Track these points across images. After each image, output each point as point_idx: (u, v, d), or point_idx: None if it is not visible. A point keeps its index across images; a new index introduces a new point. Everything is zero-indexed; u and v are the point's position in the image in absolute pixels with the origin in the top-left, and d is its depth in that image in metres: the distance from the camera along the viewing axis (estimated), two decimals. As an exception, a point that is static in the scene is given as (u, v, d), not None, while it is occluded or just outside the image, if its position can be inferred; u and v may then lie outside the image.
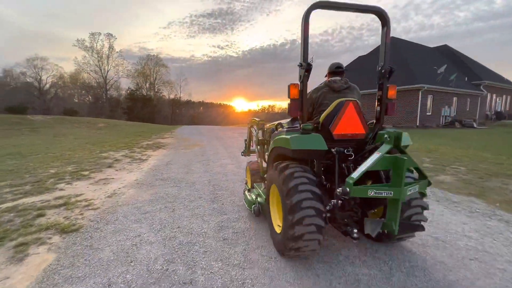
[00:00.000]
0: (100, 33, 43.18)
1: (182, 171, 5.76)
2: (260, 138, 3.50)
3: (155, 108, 46.21)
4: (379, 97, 2.44)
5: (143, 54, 69.51)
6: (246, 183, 3.87)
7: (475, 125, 20.19)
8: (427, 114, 20.31)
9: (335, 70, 2.69)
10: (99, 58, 43.85)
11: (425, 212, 2.30)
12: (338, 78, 2.64)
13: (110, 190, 4.34)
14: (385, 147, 1.95)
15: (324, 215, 2.03)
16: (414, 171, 2.20)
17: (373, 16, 2.32)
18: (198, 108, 67.84)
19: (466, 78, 24.45)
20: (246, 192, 3.54)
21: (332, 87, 2.58)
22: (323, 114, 2.40)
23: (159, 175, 5.39)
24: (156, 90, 50.24)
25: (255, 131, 3.77)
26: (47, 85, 42.45)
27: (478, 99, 24.63)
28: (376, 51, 26.04)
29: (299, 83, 2.25)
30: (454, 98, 22.44)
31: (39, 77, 41.15)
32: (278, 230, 2.35)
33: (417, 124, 19.19)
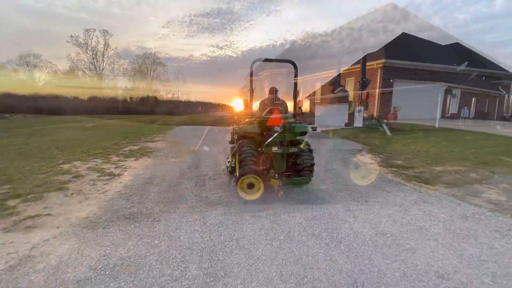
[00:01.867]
0: (95, 29, 41.04)
1: (163, 197, 3.88)
2: (237, 130, 4.76)
3: (152, 108, 44.08)
4: (294, 105, 4.78)
5: (141, 53, 67.28)
6: (228, 158, 5.29)
7: (498, 128, 18.38)
8: (446, 116, 18.54)
9: (273, 91, 5.07)
10: (93, 55, 41.72)
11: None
12: (272, 96, 5.02)
13: (27, 245, 2.45)
14: (280, 130, 3.82)
15: (257, 161, 3.95)
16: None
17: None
18: (196, 108, 65.59)
19: (484, 78, 22.71)
20: (227, 162, 5.11)
21: (269, 100, 5.03)
22: (263, 114, 4.60)
23: (127, 205, 3.51)
24: (153, 89, 48.14)
25: (235, 125, 5.18)
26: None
27: (496, 100, 22.91)
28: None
29: (248, 99, 4.64)
30: (473, 99, 20.70)
31: (32, 75, 39.06)
32: (237, 175, 4.06)
33: (436, 126, 17.37)
